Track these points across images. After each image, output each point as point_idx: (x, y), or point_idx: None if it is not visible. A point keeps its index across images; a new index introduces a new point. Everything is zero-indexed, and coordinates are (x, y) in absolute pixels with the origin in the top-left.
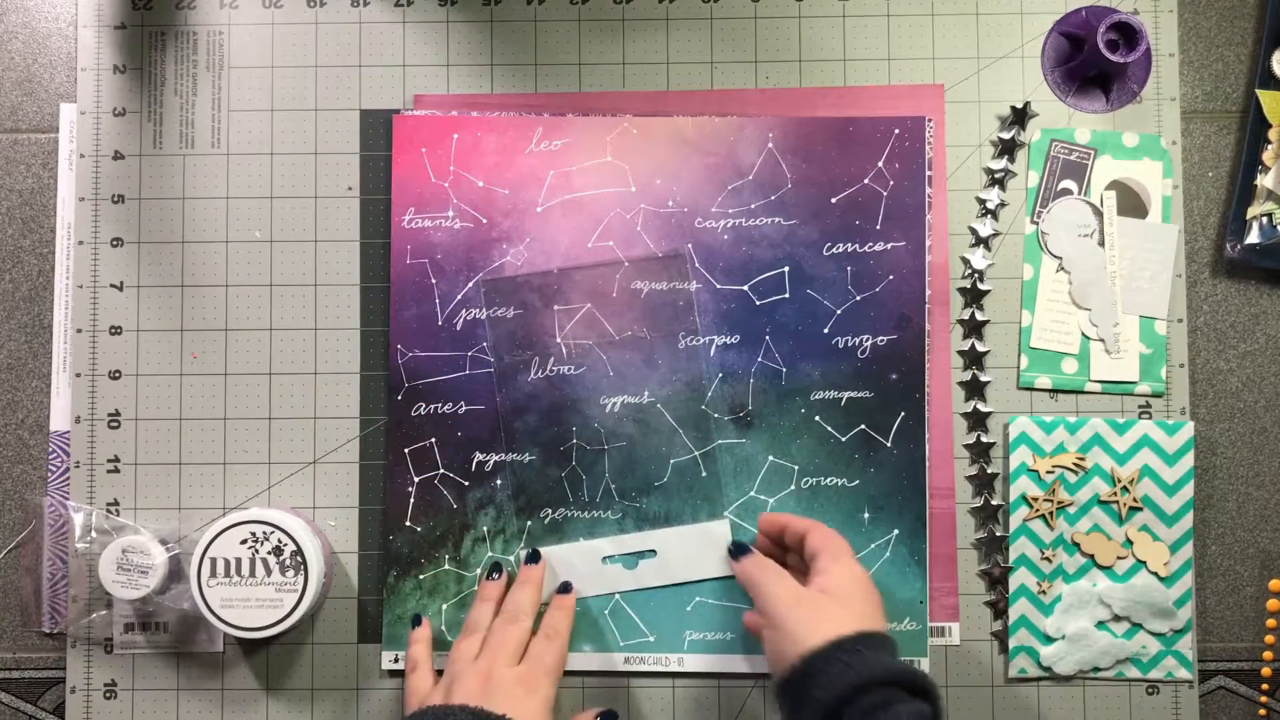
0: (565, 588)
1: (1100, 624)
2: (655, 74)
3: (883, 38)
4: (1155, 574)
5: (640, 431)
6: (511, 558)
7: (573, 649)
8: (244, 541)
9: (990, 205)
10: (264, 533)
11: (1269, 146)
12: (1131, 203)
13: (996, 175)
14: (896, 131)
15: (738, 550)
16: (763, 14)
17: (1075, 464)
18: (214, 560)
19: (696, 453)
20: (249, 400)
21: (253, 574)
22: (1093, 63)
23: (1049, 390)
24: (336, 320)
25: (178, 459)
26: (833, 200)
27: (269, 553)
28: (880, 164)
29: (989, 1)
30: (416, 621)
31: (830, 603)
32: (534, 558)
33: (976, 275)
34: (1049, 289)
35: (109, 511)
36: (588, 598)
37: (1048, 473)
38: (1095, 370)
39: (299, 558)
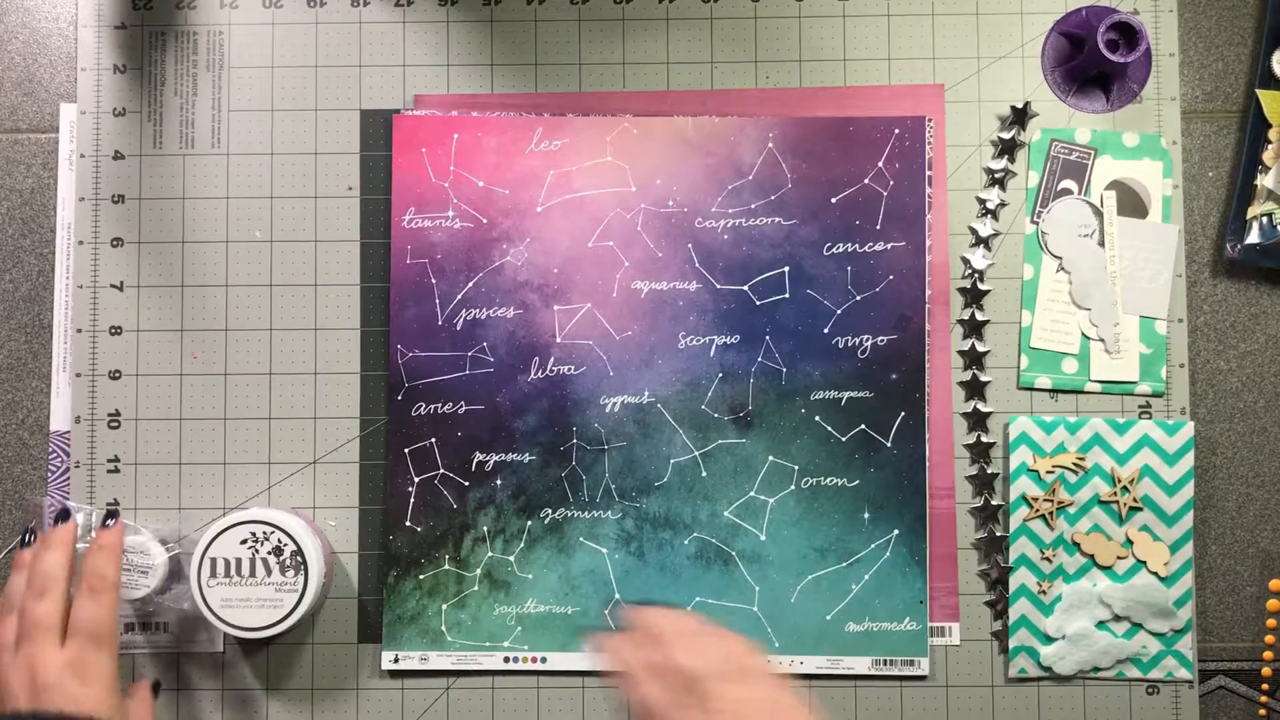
0: (112, 514)
1: (1100, 624)
2: (655, 74)
3: (883, 38)
4: (1155, 574)
5: (640, 431)
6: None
7: (573, 649)
8: (244, 541)
9: (990, 205)
10: (264, 533)
11: (1269, 146)
12: (1131, 203)
13: (996, 175)
14: (896, 131)
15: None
16: (763, 14)
17: (1075, 464)
18: (214, 560)
19: (696, 453)
20: (249, 400)
21: (253, 574)
22: (1093, 63)
23: (1049, 390)
24: (336, 320)
25: (178, 459)
26: (833, 200)
27: (269, 553)
28: (880, 164)
29: (989, 1)
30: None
31: None
32: (64, 516)
33: (976, 275)
34: (1049, 289)
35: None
36: (584, 610)
37: (1048, 473)
38: (1095, 370)
39: (299, 558)
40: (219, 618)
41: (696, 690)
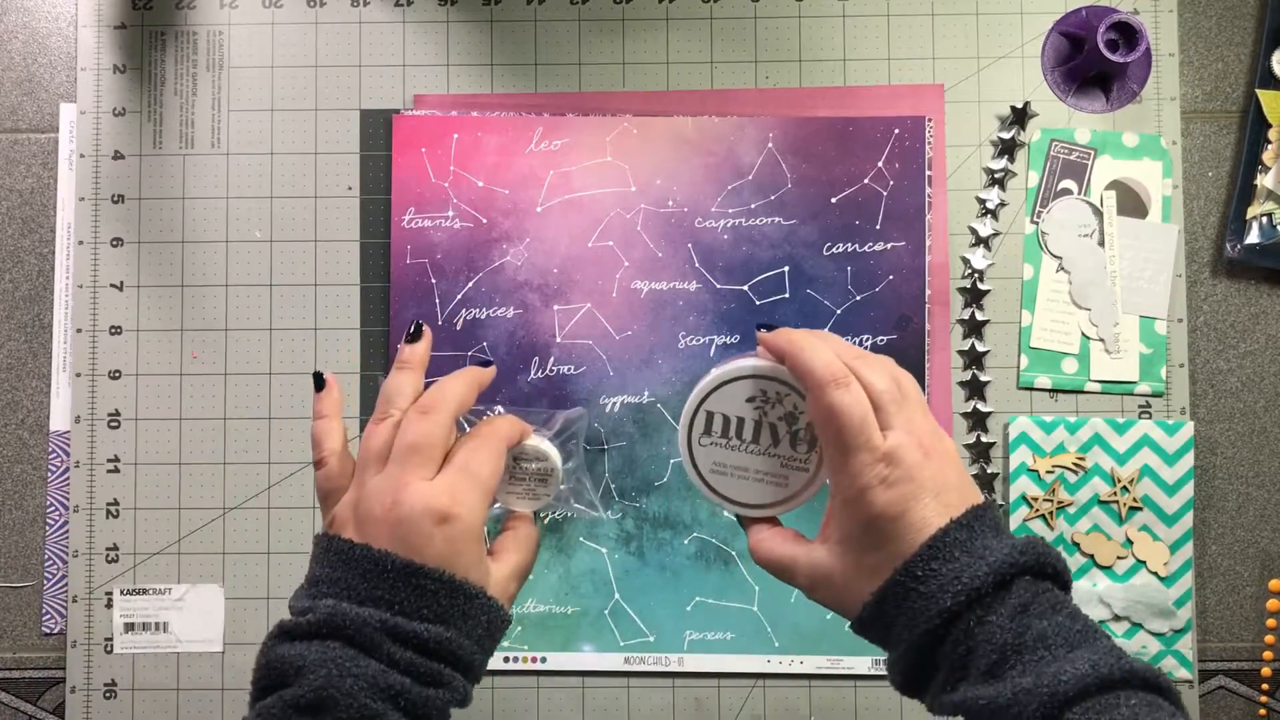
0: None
1: (1100, 624)
2: (655, 74)
3: (883, 38)
4: (1155, 574)
5: (640, 431)
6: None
7: (572, 649)
8: (750, 399)
9: (990, 205)
10: (777, 393)
11: (1269, 146)
12: (1131, 203)
13: (996, 175)
14: (896, 131)
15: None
16: (763, 14)
17: (1075, 464)
18: (711, 415)
19: None
20: (249, 400)
21: (755, 439)
22: (1093, 63)
23: (1049, 390)
24: (336, 320)
25: (178, 459)
26: (833, 200)
27: (779, 418)
28: (880, 164)
29: (989, 1)
30: (320, 382)
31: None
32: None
33: (976, 275)
34: (1049, 289)
35: (109, 512)
36: (589, 600)
37: (1048, 473)
38: (1095, 370)
39: (812, 431)
40: (710, 486)
41: (887, 411)
